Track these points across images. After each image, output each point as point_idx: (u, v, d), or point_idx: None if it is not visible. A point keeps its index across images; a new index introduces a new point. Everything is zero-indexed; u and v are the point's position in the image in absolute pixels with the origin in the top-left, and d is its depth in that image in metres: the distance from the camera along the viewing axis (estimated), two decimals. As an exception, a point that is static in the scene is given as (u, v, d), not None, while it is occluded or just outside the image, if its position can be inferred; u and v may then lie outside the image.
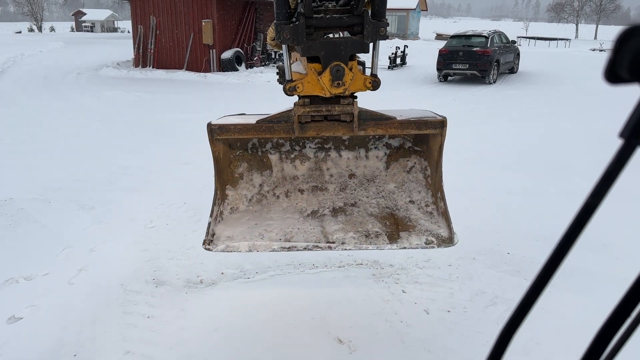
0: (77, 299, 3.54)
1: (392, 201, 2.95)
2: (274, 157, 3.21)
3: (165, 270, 3.95)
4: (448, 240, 2.65)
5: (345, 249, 2.67)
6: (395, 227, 2.77)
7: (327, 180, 3.13)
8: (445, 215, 2.75)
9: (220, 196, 3.02)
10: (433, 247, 2.63)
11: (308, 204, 3.06)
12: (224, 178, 3.09)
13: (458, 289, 3.68)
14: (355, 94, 2.76)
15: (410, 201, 2.93)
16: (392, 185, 3.02)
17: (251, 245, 2.75)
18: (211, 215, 2.92)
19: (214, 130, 2.73)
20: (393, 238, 2.68)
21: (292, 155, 3.18)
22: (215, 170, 2.94)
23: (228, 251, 2.76)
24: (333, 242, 2.70)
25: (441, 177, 2.82)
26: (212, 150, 2.86)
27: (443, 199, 2.78)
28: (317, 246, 2.69)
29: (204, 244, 2.79)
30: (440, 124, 2.59)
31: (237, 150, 3.20)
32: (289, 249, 2.71)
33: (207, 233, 2.84)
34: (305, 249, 2.70)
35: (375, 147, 3.12)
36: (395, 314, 3.35)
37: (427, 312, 3.39)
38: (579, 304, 3.42)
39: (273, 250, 2.72)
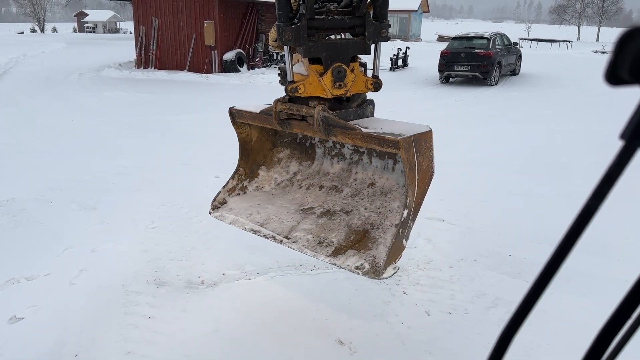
0: (78, 300, 3.54)
1: (382, 219, 2.78)
2: (319, 151, 3.30)
3: (167, 271, 3.95)
4: (376, 273, 2.39)
5: (291, 248, 2.71)
6: (352, 244, 2.64)
7: (349, 184, 3.12)
8: (390, 246, 2.41)
9: (243, 173, 3.30)
10: (358, 274, 2.44)
11: (314, 200, 3.10)
12: (254, 158, 3.32)
13: (459, 290, 3.68)
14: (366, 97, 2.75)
15: (397, 224, 2.62)
16: (397, 203, 2.82)
17: (234, 220, 3.00)
18: (224, 187, 3.26)
19: (233, 114, 3.06)
20: (337, 253, 2.57)
21: (333, 152, 3.24)
22: (241, 150, 3.25)
23: (220, 219, 3.09)
24: (288, 239, 2.75)
25: (411, 207, 2.44)
26: (236, 132, 3.20)
27: (403, 229, 2.44)
28: (273, 237, 2.80)
29: (210, 208, 3.20)
30: (395, 144, 2.28)
31: (284, 138, 3.38)
32: (254, 232, 2.88)
33: (215, 199, 3.20)
34: (264, 236, 2.82)
35: (401, 161, 2.97)
36: (396, 316, 3.35)
37: (428, 313, 3.39)
38: (579, 306, 3.42)
39: (244, 229, 2.92)
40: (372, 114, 2.78)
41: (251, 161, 3.33)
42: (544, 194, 5.72)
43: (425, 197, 2.58)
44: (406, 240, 2.48)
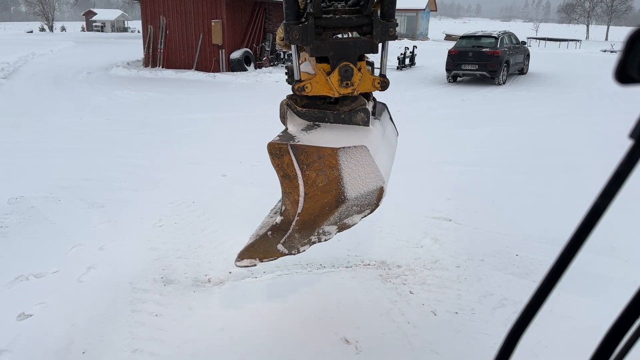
0: (86, 297, 3.56)
1: None
2: None
3: (174, 269, 3.97)
4: (236, 257, 2.54)
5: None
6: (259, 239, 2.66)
7: None
8: (252, 242, 2.49)
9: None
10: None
11: None
12: None
13: (466, 290, 3.67)
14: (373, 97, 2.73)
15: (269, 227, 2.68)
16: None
17: None
18: None
19: None
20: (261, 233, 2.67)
21: None
22: None
23: None
24: (274, 213, 2.88)
25: (291, 218, 2.35)
26: None
27: (276, 233, 2.43)
28: (273, 207, 3.04)
29: None
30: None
31: None
32: None
33: None
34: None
35: None
36: (402, 315, 3.35)
37: (434, 313, 3.38)
38: (586, 307, 3.40)
39: None
40: (364, 123, 2.57)
41: None
42: (552, 194, 5.69)
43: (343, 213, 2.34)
44: (287, 249, 2.39)
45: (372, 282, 3.76)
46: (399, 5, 2.60)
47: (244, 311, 3.40)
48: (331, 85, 2.49)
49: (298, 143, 2.21)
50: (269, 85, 15.77)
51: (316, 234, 2.36)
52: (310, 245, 2.40)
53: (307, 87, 2.49)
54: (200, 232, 4.63)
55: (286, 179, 2.25)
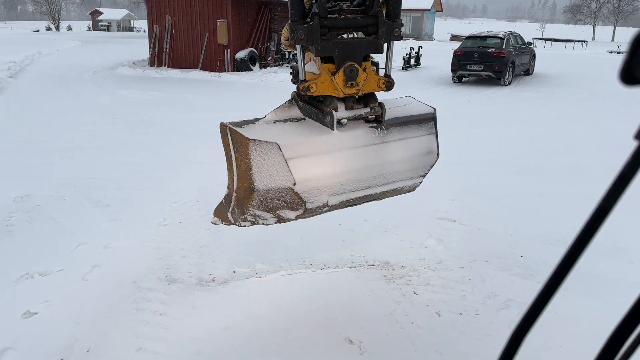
0: (90, 295, 3.58)
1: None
2: None
3: (178, 268, 3.98)
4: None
5: None
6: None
7: None
8: (218, 204, 2.73)
9: None
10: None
11: None
12: None
13: (470, 291, 3.66)
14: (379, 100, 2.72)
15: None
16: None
17: None
18: None
19: None
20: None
21: None
22: None
23: None
24: None
25: (231, 191, 2.51)
26: None
27: (227, 202, 2.59)
28: None
29: None
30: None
31: None
32: None
33: None
34: None
35: None
36: (406, 316, 3.34)
37: (438, 314, 3.37)
38: (591, 309, 3.39)
39: None
40: (330, 126, 2.52)
41: None
42: (557, 195, 5.66)
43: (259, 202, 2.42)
44: (233, 219, 2.58)
45: (376, 283, 3.76)
46: (404, 6, 2.60)
47: (248, 311, 3.40)
48: (336, 85, 2.49)
49: (234, 128, 2.36)
50: (274, 85, 15.78)
51: (250, 215, 2.48)
52: (250, 224, 2.54)
53: (312, 87, 2.49)
54: (205, 231, 4.64)
55: (227, 157, 2.45)
